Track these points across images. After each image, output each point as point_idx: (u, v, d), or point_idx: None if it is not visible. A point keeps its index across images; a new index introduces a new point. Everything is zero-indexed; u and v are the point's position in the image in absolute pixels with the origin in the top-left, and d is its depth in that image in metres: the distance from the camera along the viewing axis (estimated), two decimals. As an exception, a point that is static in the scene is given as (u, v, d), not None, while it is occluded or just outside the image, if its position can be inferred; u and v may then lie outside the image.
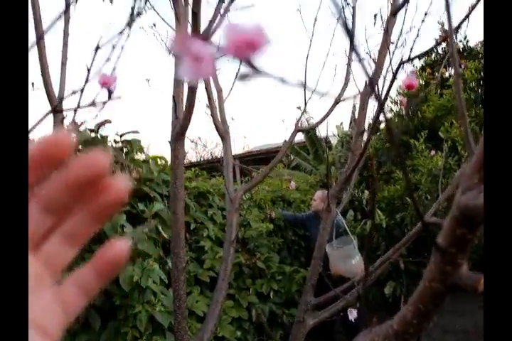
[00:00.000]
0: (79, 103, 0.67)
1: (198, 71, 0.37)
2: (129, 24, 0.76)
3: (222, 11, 2.56)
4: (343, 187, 2.50)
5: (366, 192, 5.04)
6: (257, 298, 4.01)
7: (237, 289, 3.98)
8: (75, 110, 0.65)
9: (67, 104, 1.23)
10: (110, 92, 0.65)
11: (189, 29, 2.36)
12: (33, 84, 2.00)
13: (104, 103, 0.65)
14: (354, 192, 4.90)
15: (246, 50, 0.37)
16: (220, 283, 2.39)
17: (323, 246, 2.44)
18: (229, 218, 2.53)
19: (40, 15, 1.93)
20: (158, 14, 2.75)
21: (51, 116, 1.77)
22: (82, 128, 3.33)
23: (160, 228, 3.47)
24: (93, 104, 0.66)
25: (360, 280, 1.93)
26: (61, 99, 1.92)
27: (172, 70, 2.24)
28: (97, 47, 0.87)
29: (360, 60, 0.44)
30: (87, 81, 0.68)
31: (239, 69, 0.42)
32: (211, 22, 2.51)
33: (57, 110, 0.64)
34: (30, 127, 0.71)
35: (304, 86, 0.40)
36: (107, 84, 0.64)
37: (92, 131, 3.46)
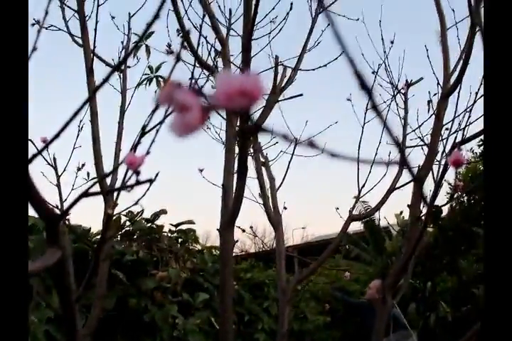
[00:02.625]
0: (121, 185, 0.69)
1: (186, 124, 0.33)
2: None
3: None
4: (399, 277, 2.38)
5: (429, 283, 4.79)
6: None
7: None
8: (108, 192, 0.67)
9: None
10: (137, 174, 0.66)
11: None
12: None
13: (133, 186, 0.66)
14: (416, 284, 4.67)
15: (239, 100, 0.33)
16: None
17: (380, 341, 2.28)
18: (280, 310, 2.43)
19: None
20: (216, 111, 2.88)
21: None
22: (137, 218, 3.40)
23: (213, 319, 3.39)
24: (125, 187, 0.67)
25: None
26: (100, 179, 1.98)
27: (222, 160, 2.30)
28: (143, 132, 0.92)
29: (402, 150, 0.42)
30: (121, 163, 0.70)
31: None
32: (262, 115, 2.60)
33: (91, 193, 0.66)
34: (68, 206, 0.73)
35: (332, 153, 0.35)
36: (133, 165, 0.65)
37: (147, 220, 3.53)
